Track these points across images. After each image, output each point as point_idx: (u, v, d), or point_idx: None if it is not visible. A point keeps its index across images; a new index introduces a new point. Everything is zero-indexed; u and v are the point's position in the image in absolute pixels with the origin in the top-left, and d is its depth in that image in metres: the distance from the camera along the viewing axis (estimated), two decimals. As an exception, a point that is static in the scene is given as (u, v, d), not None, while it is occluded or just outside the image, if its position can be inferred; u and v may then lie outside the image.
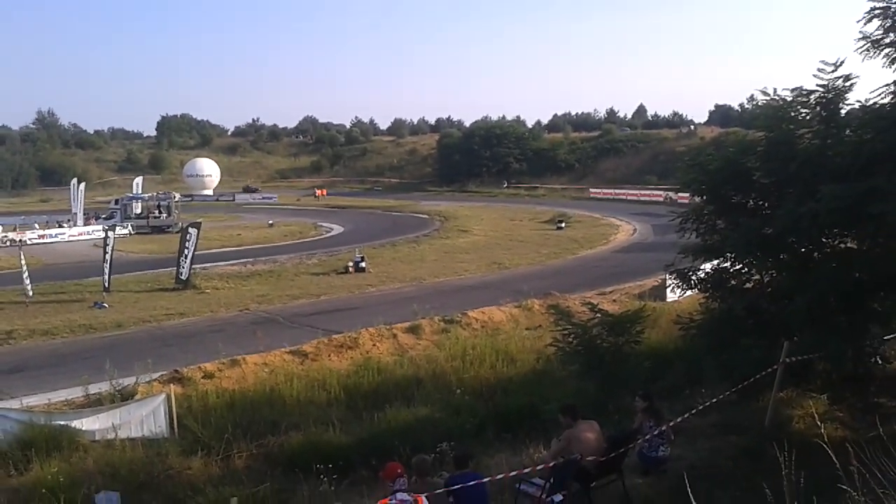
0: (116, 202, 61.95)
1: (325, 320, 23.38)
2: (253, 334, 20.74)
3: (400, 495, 6.65)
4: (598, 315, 13.51)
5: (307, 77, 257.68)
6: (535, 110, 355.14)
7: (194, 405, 14.90)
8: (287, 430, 13.14)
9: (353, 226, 55.22)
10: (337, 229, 53.72)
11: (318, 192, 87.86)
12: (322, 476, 10.56)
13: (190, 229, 31.55)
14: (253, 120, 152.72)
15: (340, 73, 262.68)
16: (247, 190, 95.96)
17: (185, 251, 30.55)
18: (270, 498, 10.52)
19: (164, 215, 58.39)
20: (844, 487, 4.02)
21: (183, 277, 30.42)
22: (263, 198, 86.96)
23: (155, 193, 63.75)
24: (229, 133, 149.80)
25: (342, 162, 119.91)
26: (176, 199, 60.76)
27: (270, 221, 57.08)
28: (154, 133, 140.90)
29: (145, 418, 13.98)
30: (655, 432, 9.31)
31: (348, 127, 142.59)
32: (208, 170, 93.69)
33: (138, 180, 73.76)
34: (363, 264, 33.28)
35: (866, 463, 4.07)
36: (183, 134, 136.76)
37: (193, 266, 31.07)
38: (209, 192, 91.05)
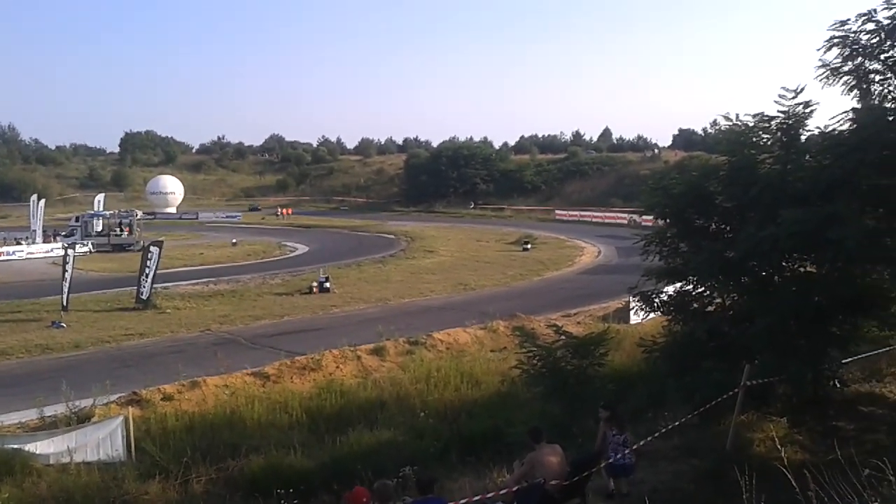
0: (77, 219, 60.78)
1: (288, 341, 23.12)
2: (214, 355, 20.37)
3: None
4: (563, 337, 13.53)
5: (274, 95, 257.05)
6: (502, 132, 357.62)
7: (153, 428, 14.61)
8: (248, 454, 12.91)
9: (319, 245, 54.82)
10: (302, 249, 53.29)
11: (284, 210, 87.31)
12: (283, 501, 10.41)
13: (151, 248, 31.11)
14: (218, 137, 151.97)
15: (307, 92, 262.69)
16: (252, 209, 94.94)
17: (147, 270, 30.09)
18: (230, 523, 10.33)
19: (126, 233, 57.51)
20: (804, 512, 4.03)
21: (143, 297, 29.93)
22: (227, 216, 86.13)
23: (117, 211, 62.85)
24: (194, 150, 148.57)
25: (308, 181, 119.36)
26: (138, 217, 59.91)
27: (234, 240, 56.47)
28: (117, 149, 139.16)
29: (102, 441, 13.65)
30: (620, 440, 9.38)
31: (315, 146, 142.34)
32: (172, 187, 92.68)
33: (100, 197, 72.50)
34: (328, 284, 33.04)
35: (825, 486, 4.09)
36: (147, 151, 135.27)
37: (154, 285, 30.58)
38: (172, 209, 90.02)
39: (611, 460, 9.31)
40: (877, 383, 13.12)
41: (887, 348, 12.96)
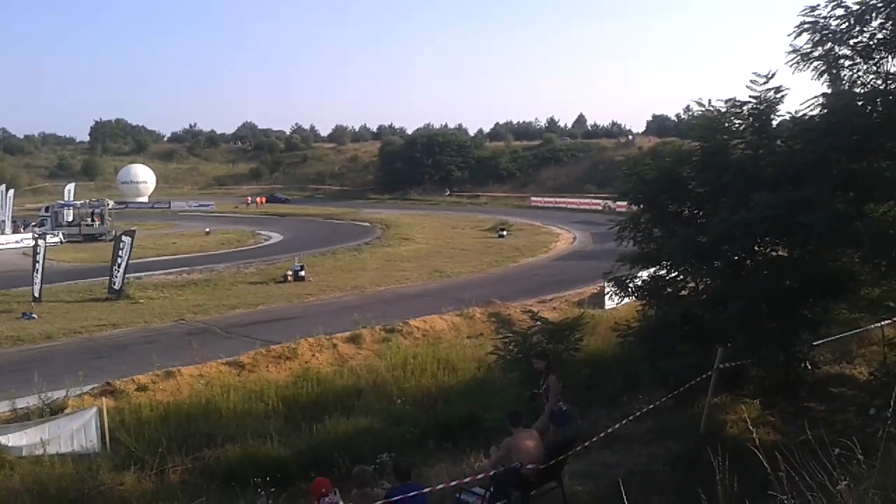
0: (47, 209, 59.96)
1: (263, 330, 23.01)
2: (188, 345, 20.22)
3: None
4: (539, 323, 13.59)
5: (246, 83, 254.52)
6: (476, 119, 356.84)
7: (127, 419, 14.47)
8: (224, 443, 12.84)
9: (293, 234, 54.52)
10: (276, 237, 52.96)
11: (258, 199, 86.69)
12: (260, 489, 10.34)
13: (123, 237, 30.77)
14: (190, 125, 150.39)
15: (280, 79, 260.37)
16: (274, 199, 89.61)
17: (119, 260, 29.74)
18: (206, 512, 10.27)
19: (97, 223, 56.82)
20: (774, 493, 4.08)
21: (116, 287, 29.59)
22: (200, 205, 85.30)
23: (87, 200, 62.03)
24: (165, 139, 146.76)
25: (282, 169, 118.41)
26: (109, 207, 59.21)
27: (207, 229, 55.97)
28: (87, 138, 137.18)
29: (76, 433, 13.51)
30: (544, 387, 10.08)
31: (288, 133, 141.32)
32: (143, 176, 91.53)
33: (70, 187, 71.48)
34: (302, 273, 32.88)
35: (796, 466, 4.14)
36: (117, 139, 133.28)
37: (127, 275, 30.26)
38: (144, 199, 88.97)
39: (553, 409, 9.89)
40: (847, 365, 13.34)
41: (857, 330, 13.18)
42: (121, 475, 11.72)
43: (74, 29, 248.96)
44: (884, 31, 10.05)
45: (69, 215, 57.54)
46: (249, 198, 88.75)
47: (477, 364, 16.65)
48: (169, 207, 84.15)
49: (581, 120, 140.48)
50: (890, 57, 10.24)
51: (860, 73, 10.55)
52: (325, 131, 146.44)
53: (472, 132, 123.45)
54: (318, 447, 12.27)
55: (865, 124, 9.74)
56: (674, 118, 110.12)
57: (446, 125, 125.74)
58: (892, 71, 10.29)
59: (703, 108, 11.77)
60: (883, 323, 12.70)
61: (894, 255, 8.89)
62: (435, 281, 33.10)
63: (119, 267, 29.66)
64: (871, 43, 10.20)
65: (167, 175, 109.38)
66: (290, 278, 32.53)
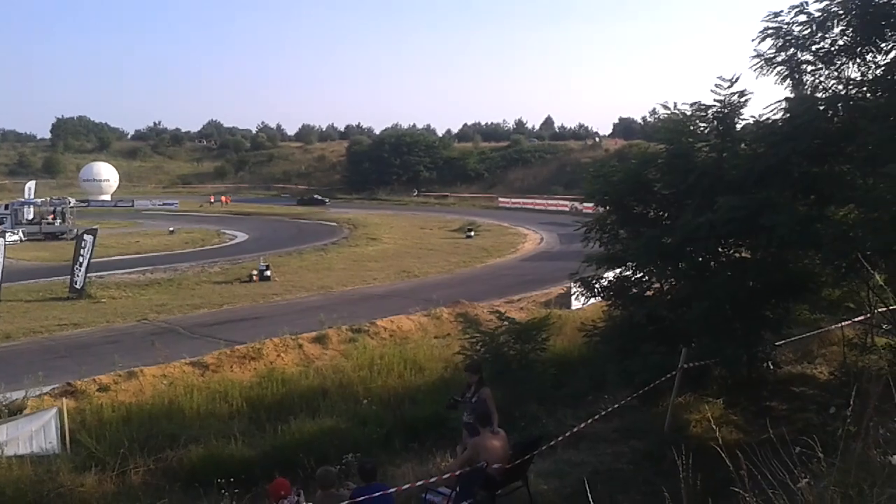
0: (6, 207, 58.47)
1: (228, 330, 22.75)
2: (151, 345, 19.92)
3: None
4: (506, 323, 13.63)
5: (212, 80, 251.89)
6: (445, 119, 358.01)
7: (88, 419, 14.23)
8: (187, 444, 12.67)
9: (259, 233, 53.98)
10: (241, 237, 52.39)
11: (223, 198, 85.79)
12: (223, 490, 10.23)
13: (85, 236, 30.21)
14: (154, 123, 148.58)
15: (246, 77, 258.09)
16: (312, 201, 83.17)
17: (80, 259, 29.20)
18: (169, 514, 10.13)
19: (59, 221, 55.69)
20: (737, 490, 4.13)
21: (77, 286, 29.04)
22: (164, 204, 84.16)
23: (49, 198, 60.70)
24: (129, 137, 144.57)
25: (248, 168, 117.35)
26: (71, 205, 58.08)
27: (171, 228, 55.19)
28: (48, 135, 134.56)
29: (35, 434, 13.22)
30: (474, 399, 9.70)
31: (254, 132, 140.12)
32: (106, 174, 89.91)
33: (31, 184, 69.86)
34: (268, 273, 32.58)
35: (758, 464, 4.19)
36: (80, 137, 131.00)
37: (89, 274, 29.70)
38: (107, 197, 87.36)
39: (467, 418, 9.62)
40: (808, 364, 13.61)
41: (818, 331, 13.44)
42: (81, 477, 11.50)
43: (35, 23, 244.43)
44: (844, 37, 10.25)
45: (30, 213, 56.27)
46: (213, 196, 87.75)
47: (444, 364, 16.65)
48: (132, 206, 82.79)
49: (549, 122, 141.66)
50: (850, 63, 10.44)
51: (822, 79, 10.75)
52: (291, 130, 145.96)
53: (440, 133, 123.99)
54: (282, 448, 12.17)
55: (826, 129, 9.93)
56: (640, 121, 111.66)
57: (414, 125, 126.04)
58: (852, 76, 10.50)
59: (669, 112, 11.92)
60: (843, 324, 12.96)
61: (854, 257, 9.05)
62: (402, 281, 33.01)
63: (81, 266, 29.12)
64: (833, 49, 10.40)
65: (130, 173, 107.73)
66: (255, 278, 32.21)
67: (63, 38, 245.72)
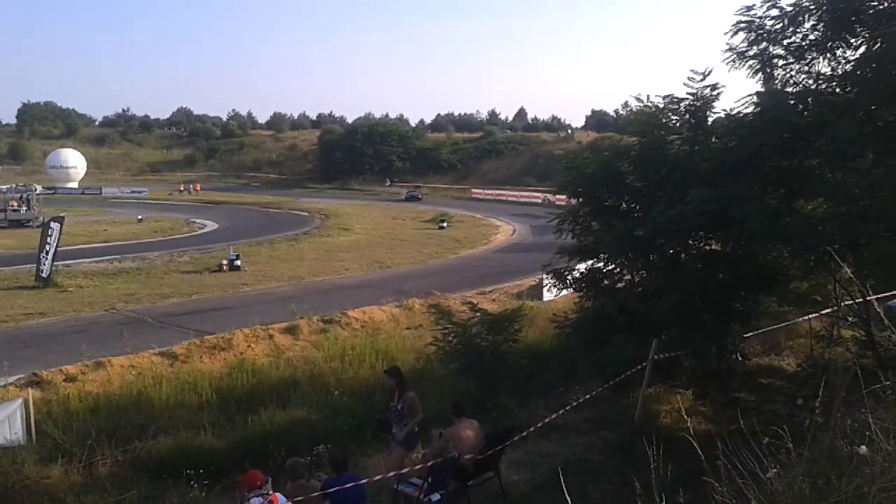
0: (-30, 194, 57.48)
1: (197, 320, 22.52)
2: (119, 335, 19.65)
3: (255, 501, 6.48)
4: (478, 314, 13.64)
5: (182, 67, 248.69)
6: (418, 110, 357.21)
7: (55, 410, 14.00)
8: (155, 435, 12.52)
9: (229, 222, 53.53)
10: (211, 226, 51.94)
11: (192, 186, 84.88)
12: (192, 482, 10.11)
13: (52, 224, 29.70)
14: (123, 110, 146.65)
15: (216, 64, 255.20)
16: (411, 197, 76.22)
17: (47, 247, 28.73)
18: (137, 505, 10.00)
19: (24, 208, 54.71)
20: (708, 479, 4.15)
21: (44, 275, 28.58)
22: (132, 192, 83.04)
23: (14, 185, 59.48)
24: (97, 123, 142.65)
25: (218, 156, 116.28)
26: (37, 192, 57.03)
27: (140, 217, 54.50)
28: (14, 121, 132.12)
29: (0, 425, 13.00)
30: (401, 406, 9.32)
31: (225, 120, 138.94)
32: (73, 161, 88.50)
33: (-5, 171, 68.84)
34: (238, 262, 32.32)
35: (728, 455, 4.22)
36: (46, 123, 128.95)
37: (56, 263, 29.27)
38: (74, 184, 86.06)
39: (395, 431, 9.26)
40: (776, 356, 13.81)
41: (786, 323, 13.63)
42: (47, 468, 11.32)
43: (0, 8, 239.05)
44: (815, 32, 10.35)
45: (-4, 201, 55.29)
46: (182, 185, 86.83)
47: (416, 355, 16.63)
48: (100, 193, 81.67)
49: (522, 113, 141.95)
50: (821, 58, 10.55)
51: (793, 73, 10.85)
52: (262, 118, 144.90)
53: (413, 123, 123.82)
54: (253, 439, 12.07)
55: (796, 123, 10.02)
56: (612, 114, 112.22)
57: (387, 115, 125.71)
58: (822, 71, 10.61)
59: (642, 104, 11.97)
60: (810, 316, 13.16)
61: (822, 250, 9.16)
62: (374, 272, 32.95)
63: (47, 254, 28.65)
64: (804, 44, 10.50)
65: (98, 160, 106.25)
66: (225, 268, 31.94)
67: (30, 21, 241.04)
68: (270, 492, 6.71)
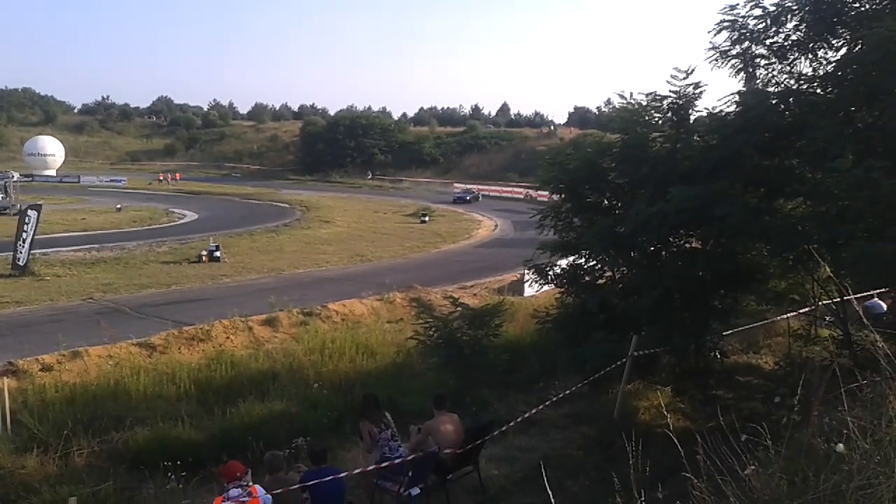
0: (-54, 180, 56.61)
1: (176, 311, 22.33)
2: (97, 325, 19.43)
3: (233, 492, 6.45)
4: (459, 309, 13.64)
5: (163, 55, 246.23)
6: (400, 103, 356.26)
7: (30, 400, 13.82)
8: (133, 426, 12.40)
9: (208, 213, 53.12)
10: (190, 216, 51.50)
11: (171, 176, 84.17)
12: (170, 473, 10.05)
13: (29, 211, 29.29)
14: (102, 98, 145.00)
15: (199, 54, 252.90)
16: (460, 199, 67.16)
17: (24, 235, 28.33)
18: (113, 497, 9.93)
19: (1, 196, 53.95)
20: (687, 475, 4.18)
21: (20, 263, 28.21)
22: (111, 180, 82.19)
23: (-9, 172, 58.84)
24: (76, 111, 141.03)
25: (198, 146, 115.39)
26: (14, 179, 56.10)
27: (118, 206, 53.93)
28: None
29: (-26, 415, 12.83)
30: (388, 435, 8.78)
31: (206, 109, 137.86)
32: (51, 149, 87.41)
33: (-30, 157, 67.85)
34: (218, 253, 32.06)
35: (707, 451, 4.24)
36: (24, 109, 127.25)
37: (32, 251, 28.88)
38: (52, 172, 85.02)
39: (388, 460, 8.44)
40: (754, 354, 13.94)
41: (764, 321, 13.75)
42: (22, 458, 11.19)
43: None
44: (798, 32, 10.43)
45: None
46: (162, 175, 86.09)
47: (396, 349, 16.60)
48: (78, 182, 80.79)
49: (505, 108, 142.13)
50: (802, 58, 10.64)
51: (775, 73, 10.92)
52: (244, 109, 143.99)
53: (395, 116, 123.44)
54: (231, 431, 11.99)
55: (778, 122, 10.10)
56: (595, 110, 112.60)
57: (370, 107, 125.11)
58: (804, 72, 10.70)
59: (625, 101, 12.00)
60: (788, 315, 13.29)
61: (801, 249, 9.25)
62: (355, 265, 32.85)
63: (24, 242, 28.27)
64: (786, 44, 10.57)
65: (77, 148, 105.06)
66: (204, 258, 31.68)
67: (8, 5, 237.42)
68: (250, 483, 6.68)
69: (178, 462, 10.22)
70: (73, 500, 7.55)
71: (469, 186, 74.42)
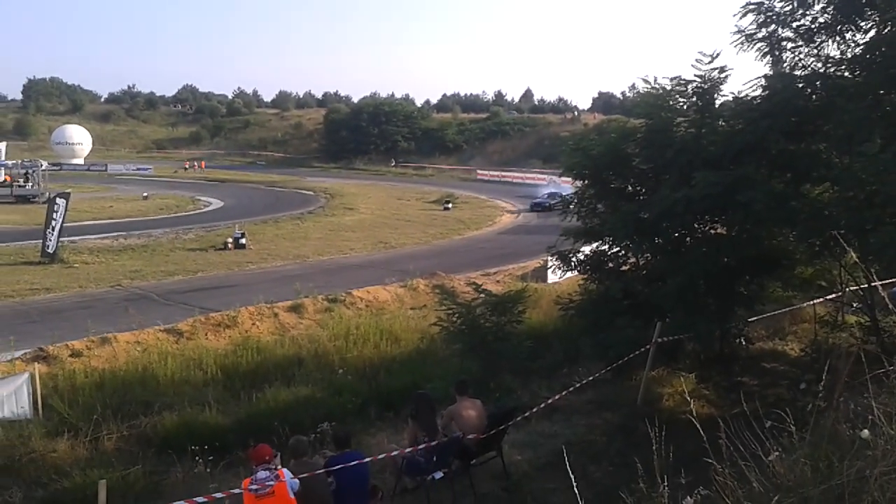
0: (-25, 169, 57.41)
1: (202, 298, 22.59)
2: (125, 311, 19.76)
3: (261, 474, 6.56)
4: (482, 295, 13.65)
5: (188, 43, 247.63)
6: (423, 90, 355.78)
7: (61, 385, 14.11)
8: (160, 411, 12.62)
9: (234, 200, 53.43)
10: (216, 203, 51.85)
11: (196, 164, 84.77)
12: (197, 457, 10.23)
13: (58, 200, 29.72)
14: (128, 87, 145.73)
15: (223, 42, 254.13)
16: (538, 206, 51.23)
17: (53, 223, 28.76)
18: (142, 480, 10.09)
19: (30, 184, 54.69)
20: (710, 461, 4.18)
21: (50, 250, 28.64)
22: (137, 169, 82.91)
23: (20, 161, 59.43)
24: (102, 99, 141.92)
25: (223, 134, 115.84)
26: (43, 168, 56.88)
27: (145, 194, 54.39)
28: (20, 97, 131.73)
29: (6, 399, 13.07)
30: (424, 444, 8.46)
31: (230, 97, 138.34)
32: (79, 137, 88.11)
33: (1, 146, 68.45)
34: (243, 241, 32.32)
35: (731, 437, 4.24)
36: (52, 98, 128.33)
37: (61, 239, 29.30)
38: (80, 160, 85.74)
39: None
40: (779, 341, 13.81)
41: (790, 308, 13.61)
42: (53, 442, 11.43)
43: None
44: (825, 15, 10.27)
45: (0, 176, 55.23)
46: (188, 162, 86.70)
47: (420, 335, 16.68)
48: (105, 170, 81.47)
49: (528, 94, 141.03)
50: (830, 41, 10.47)
51: (801, 56, 10.78)
52: (268, 96, 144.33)
53: (418, 103, 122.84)
54: (257, 416, 12.14)
55: (804, 107, 9.98)
56: (619, 96, 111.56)
57: (393, 94, 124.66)
58: (831, 55, 10.54)
59: (649, 86, 11.88)
60: (814, 301, 13.15)
61: (827, 235, 9.14)
62: (379, 252, 32.96)
63: (53, 230, 28.69)
64: (813, 26, 10.41)
65: (104, 137, 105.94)
66: (230, 246, 31.95)
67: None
68: (278, 466, 6.78)
69: (206, 447, 10.38)
70: (102, 483, 7.68)
71: (553, 177, 54.19)
